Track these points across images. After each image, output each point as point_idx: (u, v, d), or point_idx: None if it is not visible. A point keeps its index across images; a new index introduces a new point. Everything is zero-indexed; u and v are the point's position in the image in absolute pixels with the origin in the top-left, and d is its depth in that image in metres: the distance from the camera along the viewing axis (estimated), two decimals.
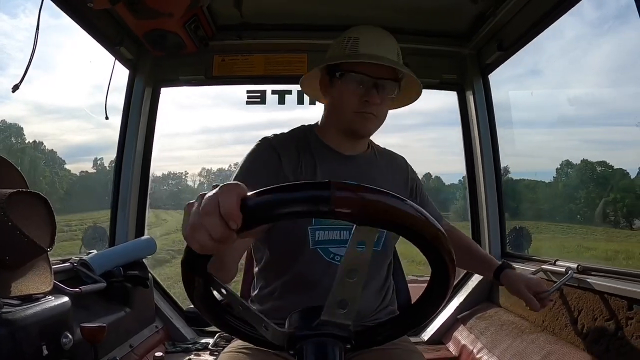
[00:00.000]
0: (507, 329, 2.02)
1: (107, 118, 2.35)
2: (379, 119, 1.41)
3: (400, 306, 1.65)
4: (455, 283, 2.54)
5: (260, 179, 1.26)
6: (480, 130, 2.56)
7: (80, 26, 2.01)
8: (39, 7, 1.69)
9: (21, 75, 1.66)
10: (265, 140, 1.42)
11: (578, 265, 1.75)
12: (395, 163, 1.56)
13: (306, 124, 1.53)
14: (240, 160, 1.41)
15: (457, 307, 2.44)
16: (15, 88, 1.66)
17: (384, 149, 1.60)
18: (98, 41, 2.18)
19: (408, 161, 1.64)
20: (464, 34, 2.49)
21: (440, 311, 2.47)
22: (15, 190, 1.32)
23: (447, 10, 2.29)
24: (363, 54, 1.35)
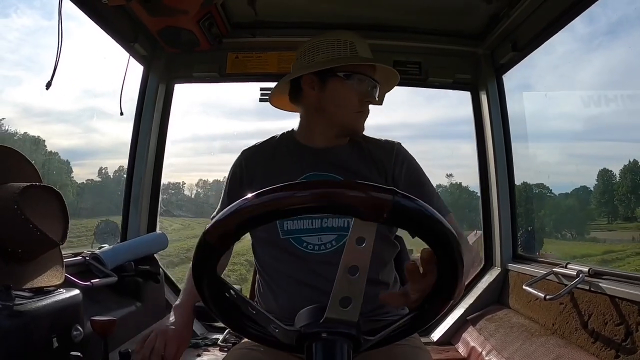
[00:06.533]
0: (517, 331, 2.01)
1: (122, 114, 2.38)
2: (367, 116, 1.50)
3: None
4: (466, 283, 2.55)
5: (237, 195, 1.41)
6: (493, 130, 2.55)
7: (96, 22, 2.03)
8: (59, 3, 1.73)
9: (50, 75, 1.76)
10: (238, 157, 1.56)
11: (589, 269, 1.73)
12: (378, 150, 1.50)
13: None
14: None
15: (467, 308, 2.43)
16: (48, 85, 1.74)
17: (372, 138, 1.56)
18: (113, 37, 2.20)
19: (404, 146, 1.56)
20: (478, 34, 2.48)
21: (450, 312, 2.47)
22: (28, 184, 1.34)
23: (461, 10, 2.28)
24: (368, 58, 1.46)
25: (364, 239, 0.68)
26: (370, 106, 1.49)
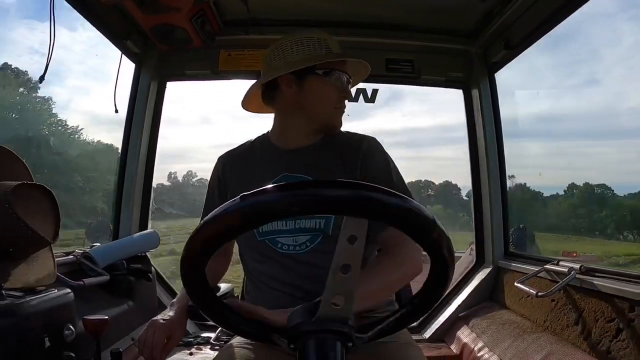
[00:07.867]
0: (509, 328, 2.02)
1: (116, 111, 2.38)
2: None
3: (401, 298, 1.65)
4: (457, 281, 2.56)
5: (215, 200, 1.53)
6: (485, 128, 2.56)
7: (88, 20, 2.02)
8: (51, 2, 1.73)
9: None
10: (216, 164, 1.59)
11: (581, 266, 1.74)
12: (347, 147, 1.47)
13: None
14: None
15: (459, 305, 2.44)
16: (41, 79, 1.76)
17: (347, 133, 1.53)
18: (105, 35, 2.19)
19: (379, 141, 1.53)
20: (470, 32, 2.48)
21: (442, 309, 2.48)
22: (20, 182, 1.33)
23: (454, 9, 2.28)
24: (342, 54, 1.48)
25: (356, 237, 0.68)
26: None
